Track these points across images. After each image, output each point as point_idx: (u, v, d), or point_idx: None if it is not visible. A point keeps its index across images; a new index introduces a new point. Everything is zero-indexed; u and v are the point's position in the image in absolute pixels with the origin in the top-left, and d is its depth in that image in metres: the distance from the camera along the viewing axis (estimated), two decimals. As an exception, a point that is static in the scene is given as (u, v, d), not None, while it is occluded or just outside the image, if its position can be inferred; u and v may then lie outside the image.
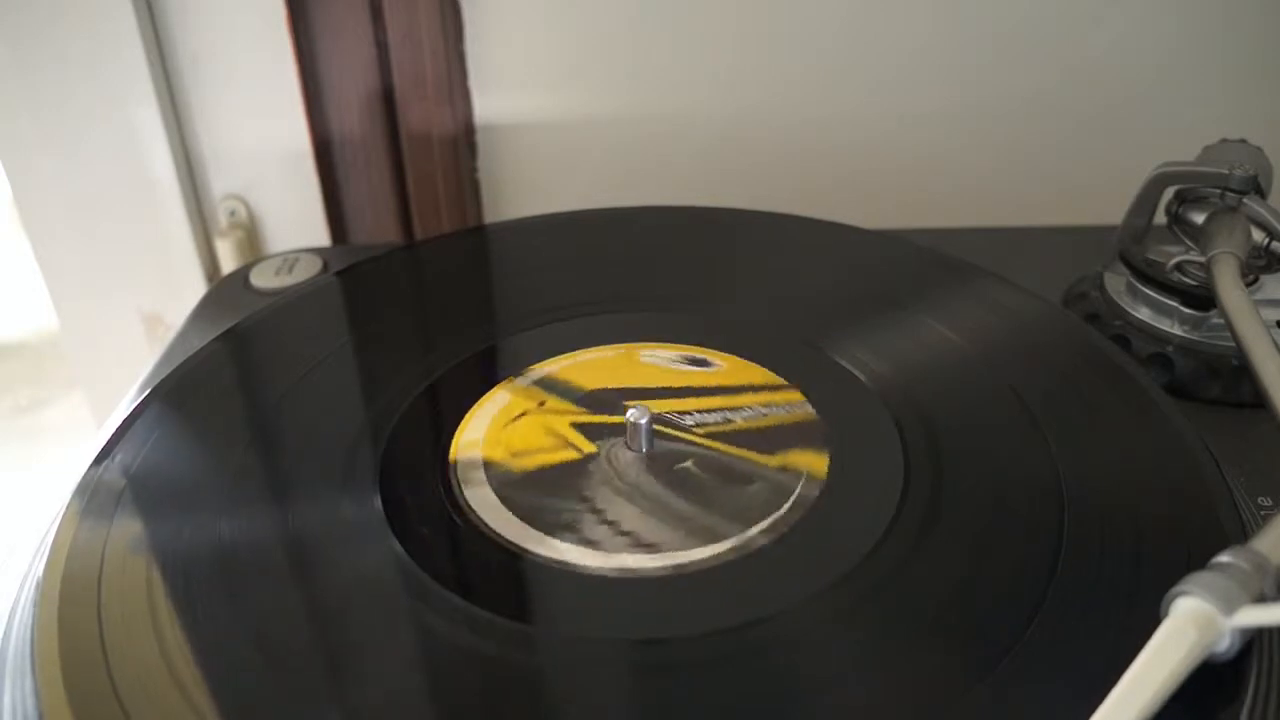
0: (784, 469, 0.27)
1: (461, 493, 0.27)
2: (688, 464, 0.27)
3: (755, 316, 0.34)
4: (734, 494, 0.26)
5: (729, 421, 0.29)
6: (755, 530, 0.25)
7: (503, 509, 0.26)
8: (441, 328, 0.34)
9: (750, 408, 0.29)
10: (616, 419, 0.29)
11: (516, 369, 0.31)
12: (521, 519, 0.26)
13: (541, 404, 0.30)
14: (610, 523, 0.25)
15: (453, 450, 0.28)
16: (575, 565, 0.24)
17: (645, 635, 0.22)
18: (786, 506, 0.25)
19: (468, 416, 0.30)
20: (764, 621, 0.22)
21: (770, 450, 0.27)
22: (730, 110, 0.51)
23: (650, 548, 0.24)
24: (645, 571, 0.24)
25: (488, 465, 0.28)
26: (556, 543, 0.25)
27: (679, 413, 0.29)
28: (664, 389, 0.30)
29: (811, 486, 0.26)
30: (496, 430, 0.29)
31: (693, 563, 0.24)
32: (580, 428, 0.29)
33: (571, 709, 0.21)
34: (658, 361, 0.31)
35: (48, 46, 0.48)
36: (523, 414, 0.30)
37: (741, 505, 0.26)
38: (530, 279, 0.37)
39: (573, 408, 0.30)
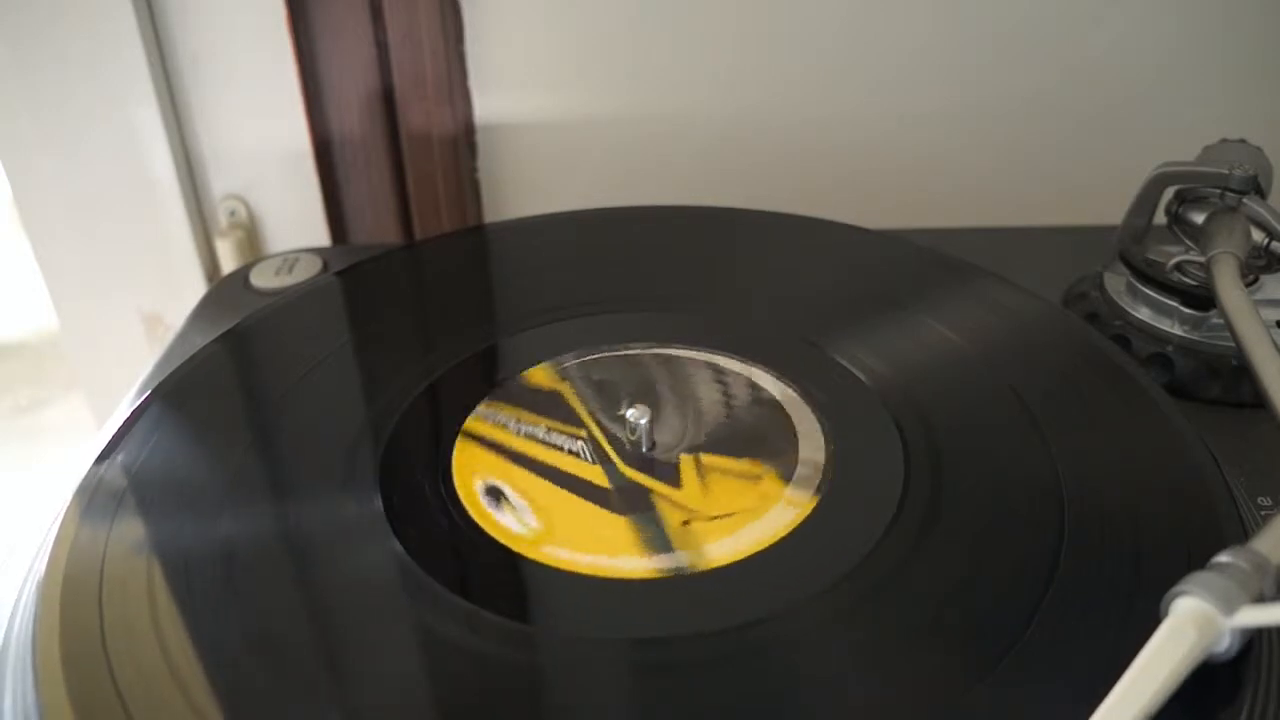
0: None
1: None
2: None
3: (755, 316, 0.34)
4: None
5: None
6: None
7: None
8: (441, 328, 0.34)
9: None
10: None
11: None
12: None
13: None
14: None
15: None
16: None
17: (645, 635, 0.22)
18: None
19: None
20: (764, 621, 0.22)
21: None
22: (730, 110, 0.51)
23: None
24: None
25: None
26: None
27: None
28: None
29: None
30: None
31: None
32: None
33: (571, 709, 0.21)
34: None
35: (48, 46, 0.48)
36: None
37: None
38: (530, 279, 0.37)
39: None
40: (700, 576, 0.24)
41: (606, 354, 0.32)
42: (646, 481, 0.27)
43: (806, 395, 0.30)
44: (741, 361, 0.31)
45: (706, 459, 0.28)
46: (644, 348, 0.32)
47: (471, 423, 0.29)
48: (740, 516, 0.26)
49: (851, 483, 0.26)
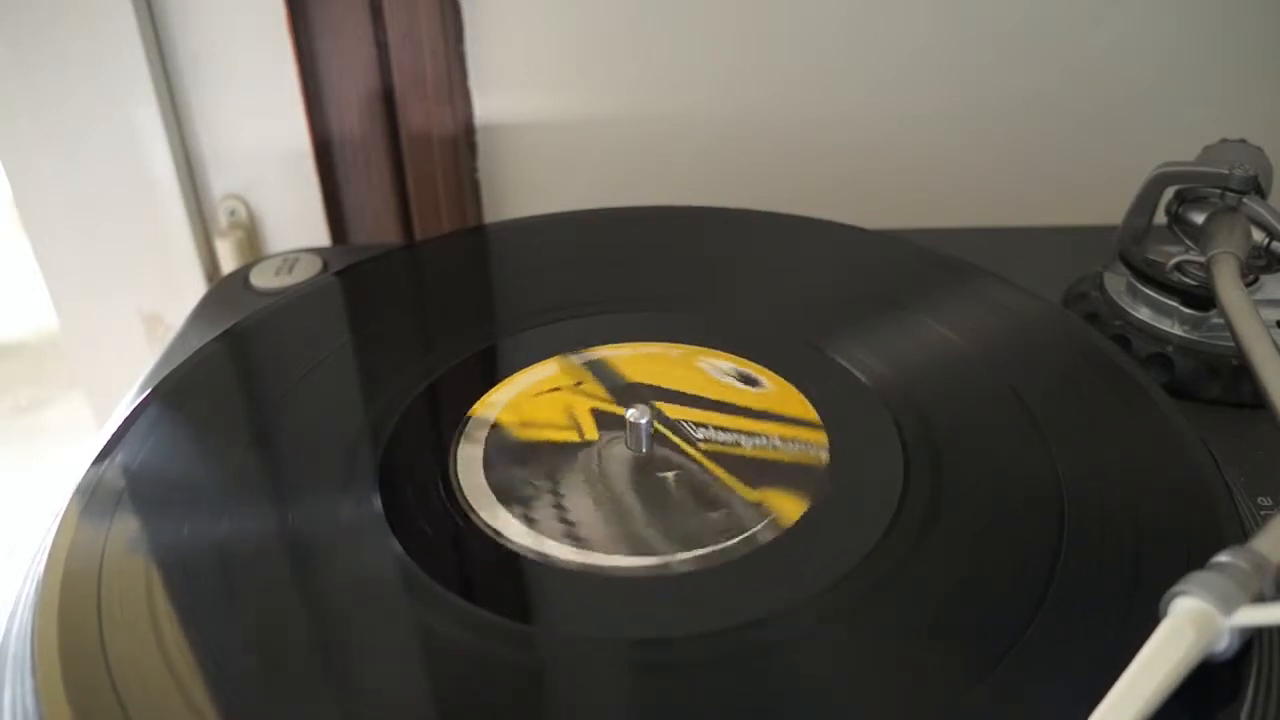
0: (757, 505, 0.26)
1: (457, 444, 0.28)
2: (669, 475, 0.27)
3: (755, 316, 0.34)
4: (691, 516, 0.25)
5: (737, 445, 0.28)
6: (681, 556, 0.24)
7: (479, 468, 0.27)
8: (441, 328, 0.34)
9: (766, 437, 0.28)
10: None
11: (575, 348, 0.32)
12: (489, 481, 0.27)
13: (578, 384, 0.30)
14: (560, 508, 0.26)
15: (478, 405, 0.29)
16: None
17: (645, 635, 0.22)
18: (729, 542, 0.25)
19: (509, 379, 0.31)
20: (764, 622, 0.22)
21: (757, 483, 0.26)
22: (730, 110, 0.51)
23: (578, 541, 0.25)
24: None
25: (495, 427, 0.29)
26: (501, 510, 0.26)
27: (695, 423, 0.29)
28: (697, 397, 0.30)
29: (769, 530, 0.25)
30: (525, 398, 0.30)
31: (691, 564, 0.24)
32: (597, 414, 0.29)
33: (571, 709, 0.21)
34: (710, 370, 0.31)
35: (48, 46, 0.48)
36: (555, 389, 0.30)
37: (689, 529, 0.25)
38: (530, 279, 0.37)
39: (603, 394, 0.30)
40: (701, 576, 0.24)
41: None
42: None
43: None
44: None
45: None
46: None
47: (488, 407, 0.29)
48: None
49: (851, 483, 0.26)
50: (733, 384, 0.30)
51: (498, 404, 0.30)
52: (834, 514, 0.25)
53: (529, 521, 0.25)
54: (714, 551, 0.24)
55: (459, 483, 0.27)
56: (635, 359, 0.32)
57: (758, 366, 0.31)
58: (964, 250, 0.36)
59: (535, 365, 0.31)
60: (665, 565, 0.24)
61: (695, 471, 0.27)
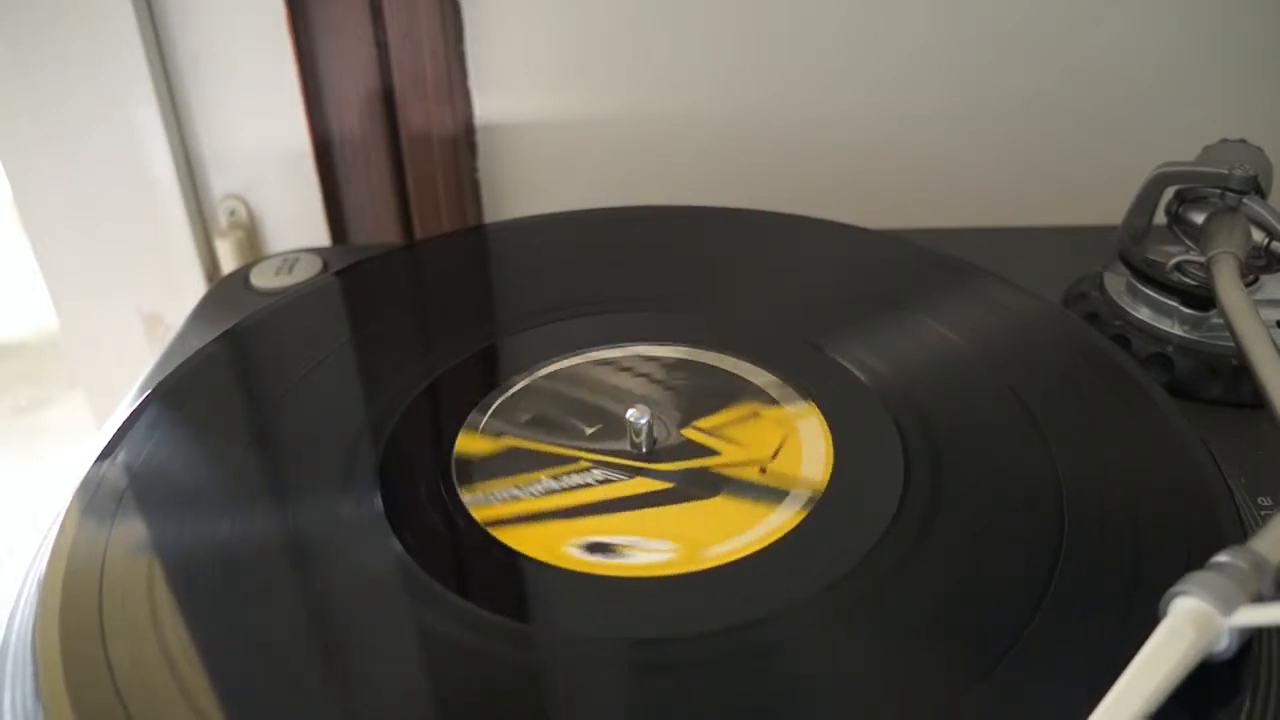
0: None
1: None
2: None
3: (755, 316, 0.34)
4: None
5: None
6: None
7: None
8: (441, 328, 0.34)
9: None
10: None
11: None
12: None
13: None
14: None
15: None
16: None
17: (645, 635, 0.22)
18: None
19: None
20: (764, 622, 0.22)
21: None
22: (730, 110, 0.51)
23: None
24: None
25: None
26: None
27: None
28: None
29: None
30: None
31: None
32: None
33: (571, 709, 0.21)
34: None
35: (48, 46, 0.48)
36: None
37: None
38: (530, 279, 0.37)
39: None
40: (701, 576, 0.24)
41: (509, 393, 0.30)
42: (695, 464, 0.27)
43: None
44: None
45: (704, 424, 0.28)
46: (530, 375, 0.31)
47: (483, 511, 0.26)
48: (789, 442, 0.27)
49: (851, 482, 0.26)
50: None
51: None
52: (834, 514, 0.25)
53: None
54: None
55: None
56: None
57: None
58: (964, 250, 0.36)
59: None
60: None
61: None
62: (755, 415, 0.29)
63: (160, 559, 0.24)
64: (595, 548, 0.25)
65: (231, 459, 0.28)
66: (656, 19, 0.49)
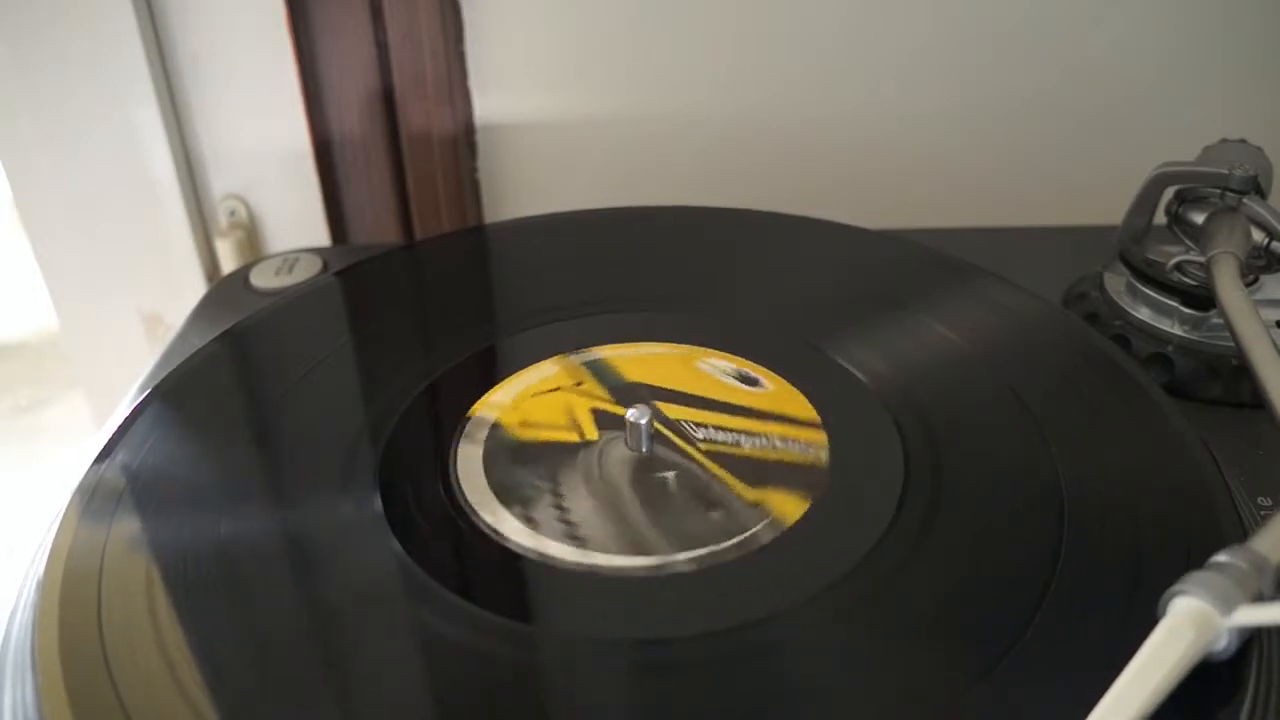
0: (756, 506, 0.26)
1: (457, 444, 0.28)
2: (669, 475, 0.27)
3: (755, 316, 0.34)
4: (690, 516, 0.25)
5: (737, 444, 0.28)
6: (681, 556, 0.24)
7: (479, 468, 0.27)
8: (441, 328, 0.34)
9: (766, 437, 0.28)
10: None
11: (575, 348, 0.32)
12: (489, 481, 0.27)
13: (579, 384, 0.30)
14: (560, 508, 0.26)
15: (478, 405, 0.29)
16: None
17: (645, 635, 0.22)
18: (729, 542, 0.24)
19: (510, 379, 0.31)
20: (764, 622, 0.22)
21: (757, 483, 0.26)
22: (730, 110, 0.51)
23: (579, 541, 0.25)
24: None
25: (495, 427, 0.29)
26: (501, 510, 0.26)
27: (695, 424, 0.29)
28: (697, 398, 0.30)
29: (769, 530, 0.25)
30: (525, 398, 0.30)
31: (691, 564, 0.24)
32: (597, 414, 0.29)
33: (571, 709, 0.21)
34: (710, 370, 0.31)
35: (48, 46, 0.48)
36: (556, 389, 0.30)
37: (689, 529, 0.25)
38: (530, 279, 0.37)
39: (604, 394, 0.30)
40: (701, 577, 0.24)
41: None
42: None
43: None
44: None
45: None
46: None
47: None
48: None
49: (851, 482, 0.26)
50: (733, 384, 0.30)
51: (498, 404, 0.30)
52: (834, 514, 0.25)
53: (529, 522, 0.25)
54: (714, 551, 0.24)
55: (459, 483, 0.27)
56: (636, 359, 0.32)
57: (758, 367, 0.31)
58: (964, 250, 0.36)
59: (535, 365, 0.31)
60: (665, 565, 0.24)
61: (695, 471, 0.27)
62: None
63: (160, 559, 0.24)
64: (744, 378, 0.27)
65: (231, 459, 0.28)
66: (656, 19, 0.49)
